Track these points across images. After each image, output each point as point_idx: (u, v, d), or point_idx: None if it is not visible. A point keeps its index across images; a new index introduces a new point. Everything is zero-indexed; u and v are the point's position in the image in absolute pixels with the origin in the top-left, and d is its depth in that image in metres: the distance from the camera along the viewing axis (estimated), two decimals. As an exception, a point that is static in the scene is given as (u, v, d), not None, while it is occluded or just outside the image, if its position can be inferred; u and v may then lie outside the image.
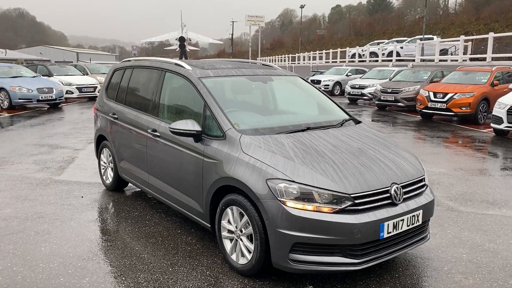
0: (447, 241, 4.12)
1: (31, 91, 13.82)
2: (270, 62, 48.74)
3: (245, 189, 3.24)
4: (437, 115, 13.16)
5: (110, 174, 5.48)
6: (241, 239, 3.40)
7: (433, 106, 12.68)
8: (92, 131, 6.95)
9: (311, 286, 3.28)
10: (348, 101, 19.18)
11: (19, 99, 13.79)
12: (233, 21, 76.00)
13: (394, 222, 3.19)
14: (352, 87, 18.86)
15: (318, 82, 22.98)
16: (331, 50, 37.59)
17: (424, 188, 3.58)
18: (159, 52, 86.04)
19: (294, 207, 3.02)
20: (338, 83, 22.95)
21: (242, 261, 3.39)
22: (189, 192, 3.88)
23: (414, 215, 3.33)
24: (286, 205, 3.03)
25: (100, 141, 5.65)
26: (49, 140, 9.08)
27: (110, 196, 5.37)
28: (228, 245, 3.53)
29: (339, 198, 3.06)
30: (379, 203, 3.18)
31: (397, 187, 3.28)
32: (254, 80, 4.39)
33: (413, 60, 23.99)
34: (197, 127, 3.66)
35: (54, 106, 15.20)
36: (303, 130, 3.77)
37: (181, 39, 45.98)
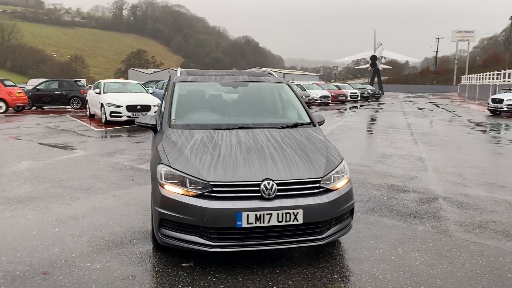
0: None
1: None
2: (475, 79, 43.97)
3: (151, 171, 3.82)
4: None
5: None
6: None
7: None
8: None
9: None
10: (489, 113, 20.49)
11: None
12: (438, 38, 71.19)
13: (257, 214, 3.27)
14: (493, 100, 20.69)
15: (500, 101, 20.13)
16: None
17: (315, 190, 3.48)
18: (356, 71, 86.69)
19: (167, 189, 3.45)
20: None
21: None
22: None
23: (289, 213, 3.33)
24: (162, 187, 3.48)
25: None
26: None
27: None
28: None
29: (200, 184, 3.35)
30: (244, 194, 3.33)
31: (268, 183, 3.35)
32: (225, 85, 4.85)
33: None
34: (153, 122, 4.40)
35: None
36: (233, 128, 4.10)
37: (373, 58, 45.93)
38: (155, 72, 72.46)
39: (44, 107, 22.14)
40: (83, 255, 3.74)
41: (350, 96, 32.63)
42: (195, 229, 3.34)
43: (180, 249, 3.52)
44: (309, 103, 25.82)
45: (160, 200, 3.45)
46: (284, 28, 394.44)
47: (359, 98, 33.34)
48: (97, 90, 15.55)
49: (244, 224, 3.27)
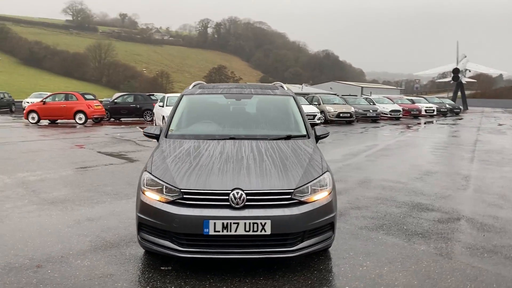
0: None
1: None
2: None
3: None
4: None
5: None
6: None
7: None
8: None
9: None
10: None
11: None
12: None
13: (224, 223, 3.36)
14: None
15: None
16: None
17: (286, 202, 3.48)
18: (443, 85, 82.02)
19: (146, 195, 3.67)
20: None
21: None
22: None
23: (256, 223, 3.38)
24: (143, 193, 3.71)
25: None
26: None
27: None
28: None
29: (174, 192, 3.53)
30: (213, 203, 3.44)
31: (237, 192, 3.43)
32: (229, 97, 5.00)
33: None
34: (157, 132, 4.68)
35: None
36: (224, 139, 4.24)
37: (455, 71, 43.32)
38: (233, 87, 74.88)
39: (121, 119, 23.90)
40: (79, 253, 4.07)
41: (425, 110, 31.05)
42: (167, 234, 3.51)
43: (159, 253, 3.71)
44: (377, 118, 25.00)
45: (139, 205, 3.67)
46: (366, 41, 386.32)
47: (435, 113, 31.60)
48: (161, 103, 16.52)
49: (211, 232, 3.37)
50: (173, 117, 4.69)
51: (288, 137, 4.39)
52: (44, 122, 21.10)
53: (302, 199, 3.55)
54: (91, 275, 3.60)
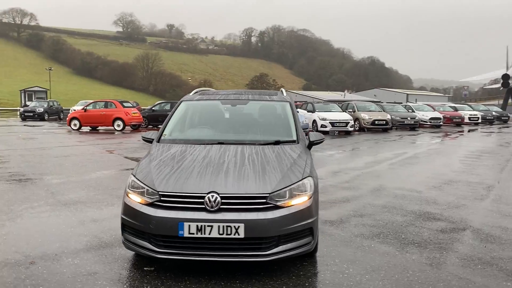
0: None
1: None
2: None
3: None
4: None
5: None
6: None
7: None
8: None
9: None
10: None
11: None
12: None
13: (198, 225, 3.43)
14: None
15: None
16: None
17: (260, 206, 3.50)
18: (495, 91, 78.23)
19: (130, 196, 3.81)
20: None
21: None
22: None
23: (230, 226, 3.42)
24: (127, 195, 3.86)
25: None
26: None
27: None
28: None
29: (153, 194, 3.64)
30: (189, 205, 3.52)
31: (212, 195, 3.49)
32: (225, 103, 5.08)
33: None
34: (153, 136, 4.84)
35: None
36: (212, 144, 4.32)
37: (505, 77, 41.31)
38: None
39: (159, 126, 24.54)
40: (72, 252, 4.26)
41: (469, 118, 29.78)
42: (145, 235, 3.62)
43: (139, 254, 3.83)
44: (415, 125, 24.26)
45: (123, 207, 3.81)
46: (414, 47, 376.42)
47: (479, 121, 30.24)
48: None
49: (186, 234, 3.44)
50: (168, 122, 4.83)
51: (277, 142, 4.40)
52: (86, 129, 22.10)
53: (278, 204, 3.55)
54: (76, 273, 3.76)
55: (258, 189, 3.56)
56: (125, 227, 3.79)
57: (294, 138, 4.53)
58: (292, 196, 3.63)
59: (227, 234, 3.41)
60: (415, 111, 26.47)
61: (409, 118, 24.05)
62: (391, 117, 22.69)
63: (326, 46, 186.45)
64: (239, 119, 5.05)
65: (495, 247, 4.51)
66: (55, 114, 34.32)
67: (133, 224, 3.66)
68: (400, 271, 3.87)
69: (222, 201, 3.48)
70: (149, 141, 4.87)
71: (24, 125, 26.79)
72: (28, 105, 36.19)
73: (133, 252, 4.19)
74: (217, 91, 5.58)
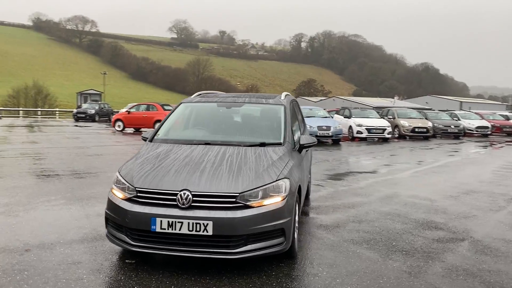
0: None
1: (312, 127, 16.66)
2: None
3: None
4: None
5: None
6: None
7: None
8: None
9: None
10: None
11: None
12: None
13: (169, 221, 3.59)
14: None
15: None
16: None
17: (230, 205, 3.60)
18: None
19: (113, 192, 4.03)
20: None
21: None
22: None
23: (199, 223, 3.55)
24: (111, 190, 4.09)
25: None
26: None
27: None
28: None
29: (132, 190, 3.84)
30: (162, 202, 3.69)
31: (184, 193, 3.64)
32: (221, 106, 5.21)
33: None
34: (148, 136, 5.07)
35: (335, 141, 17.56)
36: (199, 144, 4.47)
37: None
38: (321, 100, 74.35)
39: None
40: (67, 243, 4.53)
41: (523, 127, 28.12)
42: (123, 229, 3.82)
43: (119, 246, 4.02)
44: (459, 134, 23.22)
45: (107, 201, 4.04)
46: (472, 53, 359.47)
47: (535, 131, 28.45)
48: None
49: (158, 229, 3.60)
50: (164, 122, 5.03)
51: (262, 144, 4.46)
52: (130, 130, 23.04)
53: (248, 203, 3.63)
54: (62, 262, 4.01)
55: (229, 188, 3.66)
56: (108, 220, 4.01)
57: (281, 140, 4.57)
58: (265, 197, 3.70)
59: (196, 231, 3.54)
60: (460, 119, 25.38)
61: (452, 126, 23.09)
62: (433, 125, 21.89)
63: (379, 52, 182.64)
64: (230, 121, 5.16)
65: (488, 259, 4.32)
66: (106, 116, 36.00)
67: (113, 218, 3.87)
68: (374, 277, 3.81)
69: (194, 198, 3.61)
70: (144, 139, 5.08)
71: (75, 126, 28.35)
72: (81, 107, 38.22)
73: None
74: (218, 93, 5.72)
